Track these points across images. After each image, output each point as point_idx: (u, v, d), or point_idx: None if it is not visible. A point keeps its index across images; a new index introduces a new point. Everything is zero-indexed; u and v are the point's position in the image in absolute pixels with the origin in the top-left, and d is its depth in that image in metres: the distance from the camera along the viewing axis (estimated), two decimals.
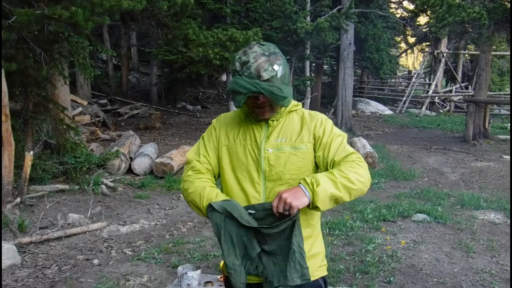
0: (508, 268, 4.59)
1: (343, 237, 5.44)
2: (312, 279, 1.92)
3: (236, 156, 1.95)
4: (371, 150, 9.75)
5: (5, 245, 4.79)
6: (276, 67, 1.79)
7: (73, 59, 7.50)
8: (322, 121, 1.96)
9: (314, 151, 1.93)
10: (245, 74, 1.77)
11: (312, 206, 1.73)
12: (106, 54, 13.51)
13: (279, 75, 1.80)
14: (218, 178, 2.06)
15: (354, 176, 1.78)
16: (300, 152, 1.91)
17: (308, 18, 14.64)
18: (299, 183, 1.76)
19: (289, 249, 1.81)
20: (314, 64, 21.68)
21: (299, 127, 1.95)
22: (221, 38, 10.51)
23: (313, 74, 21.57)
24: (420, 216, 6.19)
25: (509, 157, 10.76)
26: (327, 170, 1.87)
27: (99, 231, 5.74)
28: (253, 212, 1.84)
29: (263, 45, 1.84)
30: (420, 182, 8.53)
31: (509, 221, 6.04)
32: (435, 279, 4.38)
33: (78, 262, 4.85)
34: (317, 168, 1.97)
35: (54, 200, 6.72)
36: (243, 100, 1.79)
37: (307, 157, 1.92)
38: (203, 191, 1.89)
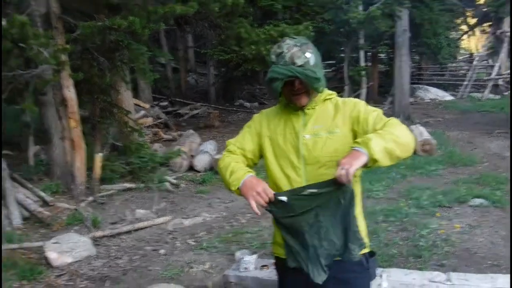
0: None
1: (397, 223, 5.51)
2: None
3: (277, 145, 2.13)
4: (429, 137, 9.61)
5: (81, 239, 5.30)
6: (308, 54, 1.97)
7: (133, 65, 7.99)
8: (355, 104, 2.11)
9: (354, 130, 2.06)
10: (281, 63, 1.96)
11: (371, 161, 1.81)
12: (164, 58, 14.07)
13: (311, 62, 1.98)
14: (255, 165, 2.26)
15: (398, 132, 1.90)
16: (335, 136, 2.05)
17: (360, 8, 14.50)
18: (351, 148, 1.85)
19: (347, 222, 1.96)
20: (369, 54, 21.38)
21: (333, 113, 2.10)
22: (272, 35, 10.69)
23: (368, 64, 21.26)
24: (477, 201, 6.09)
25: None
26: None
27: (164, 225, 6.17)
28: (315, 190, 1.95)
29: (295, 38, 2.04)
30: (479, 168, 8.31)
31: None
32: (489, 262, 4.37)
33: (146, 253, 5.28)
34: None
35: (123, 197, 7.25)
36: (280, 85, 1.97)
37: (342, 140, 2.05)
38: (229, 166, 2.08)
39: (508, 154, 9.32)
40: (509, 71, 23.14)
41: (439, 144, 10.21)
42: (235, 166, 2.08)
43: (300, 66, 1.95)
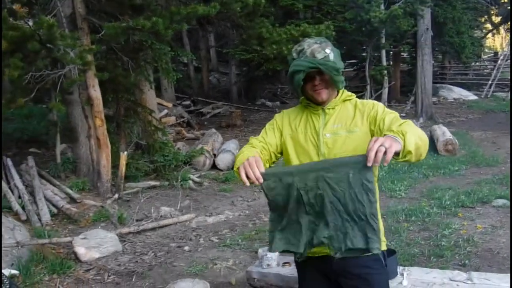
0: None
1: (419, 223, 5.52)
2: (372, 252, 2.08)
3: (298, 143, 2.19)
4: (451, 137, 9.56)
5: (108, 235, 5.44)
6: (328, 50, 2.04)
7: (156, 65, 8.14)
8: (373, 105, 2.17)
9: (371, 130, 2.10)
10: (302, 58, 2.04)
11: (404, 152, 1.76)
12: (187, 57, 14.23)
13: (331, 57, 2.04)
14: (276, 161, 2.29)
15: (417, 130, 1.90)
16: (354, 135, 2.11)
17: (382, 6, 14.43)
18: (384, 135, 1.80)
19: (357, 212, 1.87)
20: (391, 53, 21.22)
21: (353, 113, 2.16)
22: (294, 34, 10.72)
23: (390, 63, 21.10)
24: (501, 201, 6.06)
25: None
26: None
27: (188, 222, 6.29)
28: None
29: (315, 37, 2.13)
30: (503, 168, 8.21)
31: None
32: None
33: (171, 249, 5.40)
34: None
35: (147, 195, 7.40)
36: (302, 76, 2.04)
37: (361, 138, 2.10)
38: (241, 153, 2.09)
39: None
40: None
41: (462, 144, 10.15)
42: (246, 151, 2.10)
43: (321, 59, 2.03)
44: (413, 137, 1.79)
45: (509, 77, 22.63)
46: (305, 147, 2.17)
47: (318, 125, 2.17)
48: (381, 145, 1.70)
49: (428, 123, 13.56)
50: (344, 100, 2.21)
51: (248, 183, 1.90)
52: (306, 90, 2.14)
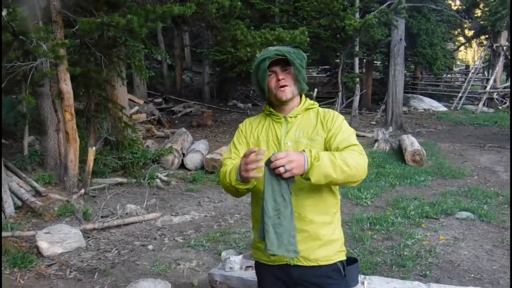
0: None
1: (383, 232, 5.61)
2: (331, 262, 2.15)
3: None
4: (419, 148, 9.74)
5: (72, 230, 5.35)
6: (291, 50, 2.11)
7: (129, 61, 8.05)
8: (334, 116, 2.19)
9: (326, 142, 2.14)
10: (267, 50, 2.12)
11: (304, 176, 1.89)
12: (161, 55, 14.13)
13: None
14: None
15: (352, 162, 1.96)
16: (315, 143, 2.13)
17: (357, 15, 14.62)
18: (304, 150, 1.91)
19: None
20: (365, 61, 21.52)
21: (315, 122, 2.19)
22: (268, 38, 10.79)
23: (363, 71, 21.39)
24: (464, 214, 6.20)
25: None
26: None
27: (153, 221, 6.24)
28: None
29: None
30: (469, 181, 8.42)
31: None
32: (472, 275, 4.46)
33: (135, 247, 5.34)
34: None
35: (114, 192, 7.30)
36: (268, 63, 2.07)
37: (322, 147, 2.13)
38: (226, 173, 2.10)
39: (498, 168, 9.47)
40: (504, 85, 23.33)
41: (430, 155, 10.36)
42: (229, 166, 2.12)
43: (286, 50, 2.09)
44: (330, 167, 1.89)
45: (478, 90, 23.28)
46: (267, 155, 2.12)
47: (280, 133, 2.18)
48: (283, 165, 1.83)
49: (398, 133, 13.81)
50: (307, 109, 2.23)
51: (260, 174, 1.94)
52: (271, 89, 2.14)
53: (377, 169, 9.05)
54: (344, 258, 2.24)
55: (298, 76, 2.11)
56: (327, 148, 2.12)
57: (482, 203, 6.78)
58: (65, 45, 6.35)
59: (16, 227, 5.62)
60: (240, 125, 2.36)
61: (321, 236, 2.12)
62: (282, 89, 2.13)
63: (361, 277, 3.26)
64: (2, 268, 4.53)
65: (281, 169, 1.83)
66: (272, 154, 1.90)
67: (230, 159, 2.25)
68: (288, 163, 1.83)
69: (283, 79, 2.11)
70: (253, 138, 2.25)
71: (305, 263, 2.13)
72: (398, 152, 10.61)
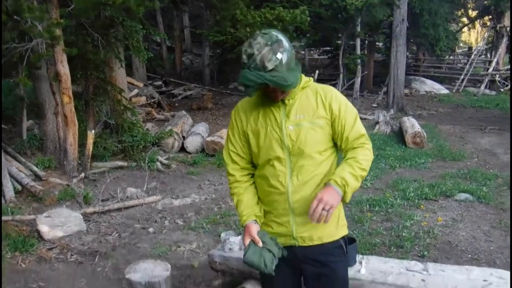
0: None
1: (382, 213, 5.63)
2: (335, 239, 2.22)
3: (260, 137, 2.16)
4: (420, 130, 9.71)
5: (72, 214, 5.38)
6: (279, 55, 1.92)
7: (127, 42, 7.97)
8: (336, 97, 2.15)
9: (331, 126, 2.13)
10: (252, 66, 1.92)
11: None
12: (159, 37, 14.01)
13: (284, 62, 1.94)
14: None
15: (366, 164, 2.11)
16: (317, 127, 2.10)
17: None
18: (330, 183, 2.04)
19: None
20: (366, 42, 21.30)
21: (315, 102, 2.13)
22: (268, 18, 10.69)
23: (365, 52, 21.19)
24: (463, 196, 6.21)
25: None
26: (341, 144, 2.15)
27: (154, 204, 6.26)
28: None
29: (266, 34, 1.96)
30: (469, 163, 8.39)
31: None
32: (470, 255, 4.50)
33: (136, 230, 5.37)
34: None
35: (114, 175, 7.31)
36: (253, 91, 2.02)
37: (324, 130, 2.12)
38: (240, 204, 2.27)
39: (499, 150, 9.44)
40: (507, 67, 23.05)
41: (430, 137, 10.33)
42: (242, 205, 2.25)
43: (272, 70, 1.92)
44: (355, 181, 2.06)
45: (481, 72, 23.02)
46: (268, 141, 2.15)
47: (279, 118, 2.13)
48: (323, 209, 1.97)
49: (399, 115, 13.76)
50: (303, 87, 2.16)
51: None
52: (260, 90, 2.10)
53: (378, 151, 9.03)
54: (346, 232, 2.29)
55: (285, 88, 2.02)
56: (334, 132, 2.14)
57: (481, 185, 6.78)
58: (60, 25, 6.28)
59: (17, 211, 5.63)
60: (233, 113, 2.29)
61: None
62: (273, 94, 2.09)
63: (359, 257, 3.28)
64: (4, 252, 4.55)
65: (323, 214, 1.98)
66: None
67: (232, 163, 2.30)
68: (325, 206, 1.97)
69: (272, 91, 2.05)
70: (251, 127, 2.19)
71: (310, 243, 2.19)
72: (399, 134, 10.58)
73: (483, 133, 11.53)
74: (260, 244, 2.15)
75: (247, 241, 2.18)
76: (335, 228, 2.22)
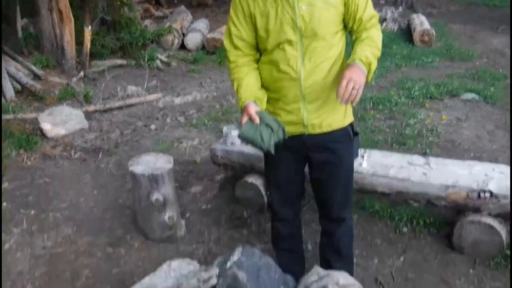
0: None
1: (386, 111, 5.56)
2: (343, 125, 2.22)
3: (269, 19, 2.01)
4: (429, 28, 9.36)
5: (74, 112, 5.35)
6: None
7: None
8: None
9: (344, 5, 2.04)
10: None
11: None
12: None
13: None
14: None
15: (379, 43, 2.07)
16: (331, 6, 1.99)
17: None
18: (355, 62, 1.96)
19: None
20: None
21: None
22: None
23: None
24: (469, 95, 6.07)
25: None
26: (353, 25, 2.08)
27: (155, 102, 6.21)
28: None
29: None
30: (477, 63, 8.11)
31: None
32: (472, 154, 4.46)
33: (137, 128, 5.37)
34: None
35: (114, 74, 7.21)
36: None
37: (336, 10, 2.01)
38: (240, 88, 2.15)
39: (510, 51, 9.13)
40: None
41: (439, 36, 9.97)
42: (243, 88, 2.14)
43: None
44: (375, 60, 2.03)
45: None
46: (278, 23, 2.01)
47: None
48: (352, 88, 1.87)
49: (407, 12, 13.22)
50: None
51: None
52: None
53: (383, 49, 8.58)
54: (353, 119, 2.28)
55: None
56: (347, 11, 2.05)
57: (489, 85, 6.58)
58: None
59: (18, 110, 5.61)
60: None
61: (332, 100, 2.08)
62: None
63: (361, 151, 3.27)
64: (9, 150, 4.58)
65: (353, 93, 1.88)
66: None
67: (234, 50, 2.17)
68: (355, 85, 1.87)
69: None
70: (259, 9, 2.03)
71: (319, 131, 2.16)
72: (407, 32, 10.22)
73: (495, 33, 11.11)
74: (258, 121, 2.06)
75: (245, 119, 2.10)
76: (343, 115, 2.20)
